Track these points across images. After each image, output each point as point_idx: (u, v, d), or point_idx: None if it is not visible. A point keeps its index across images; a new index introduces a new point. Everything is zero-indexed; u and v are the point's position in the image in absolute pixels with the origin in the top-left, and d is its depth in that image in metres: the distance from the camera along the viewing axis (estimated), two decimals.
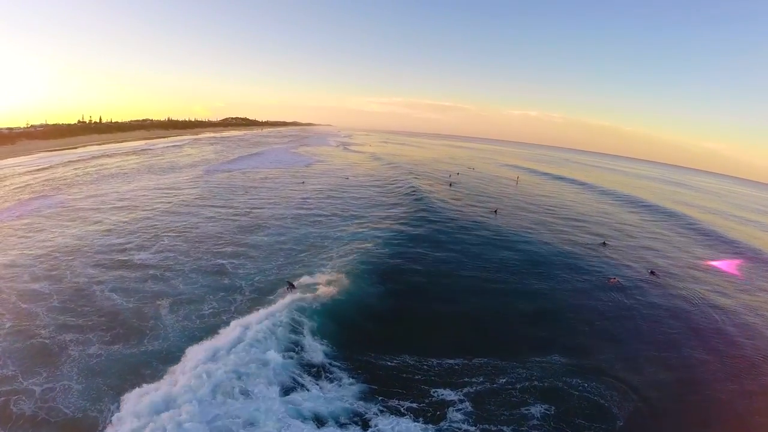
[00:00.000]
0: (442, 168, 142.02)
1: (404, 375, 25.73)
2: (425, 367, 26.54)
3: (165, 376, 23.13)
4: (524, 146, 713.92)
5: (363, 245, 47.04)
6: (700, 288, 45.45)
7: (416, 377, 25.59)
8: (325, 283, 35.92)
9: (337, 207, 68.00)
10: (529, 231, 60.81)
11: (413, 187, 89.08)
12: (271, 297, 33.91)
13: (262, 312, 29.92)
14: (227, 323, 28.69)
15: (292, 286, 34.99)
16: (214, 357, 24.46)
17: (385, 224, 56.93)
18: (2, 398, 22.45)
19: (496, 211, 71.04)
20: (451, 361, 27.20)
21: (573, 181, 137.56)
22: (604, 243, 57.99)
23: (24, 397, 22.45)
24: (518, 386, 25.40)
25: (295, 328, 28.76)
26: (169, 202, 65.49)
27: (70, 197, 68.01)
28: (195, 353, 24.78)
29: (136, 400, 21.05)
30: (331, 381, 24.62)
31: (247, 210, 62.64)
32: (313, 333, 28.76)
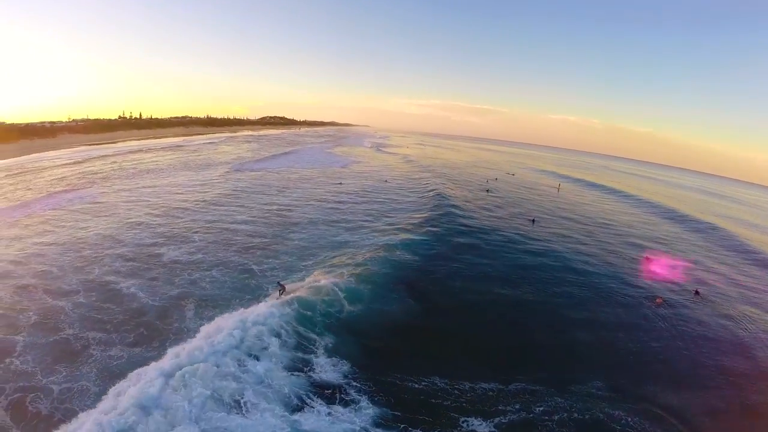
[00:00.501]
0: (480, 173, 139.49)
1: (432, 400, 23.76)
2: (456, 391, 24.53)
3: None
4: (562, 151, 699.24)
5: (392, 252, 45.42)
6: (749, 310, 42.27)
7: (446, 403, 23.64)
8: (346, 290, 34.31)
9: (371, 211, 66.83)
10: (569, 242, 58.40)
11: (449, 192, 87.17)
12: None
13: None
14: None
15: (282, 288, 33.52)
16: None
17: (417, 231, 55.15)
18: (19, 395, 22.30)
19: (534, 221, 68.68)
20: (486, 386, 25.15)
21: (613, 191, 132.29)
22: (646, 257, 55.43)
23: (42, 396, 22.24)
24: (555, 417, 23.32)
25: (304, 344, 27.35)
26: (202, 200, 65.94)
27: (103, 191, 69.43)
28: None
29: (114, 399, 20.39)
30: (346, 404, 22.69)
31: (280, 210, 62.43)
32: (327, 349, 27.17)
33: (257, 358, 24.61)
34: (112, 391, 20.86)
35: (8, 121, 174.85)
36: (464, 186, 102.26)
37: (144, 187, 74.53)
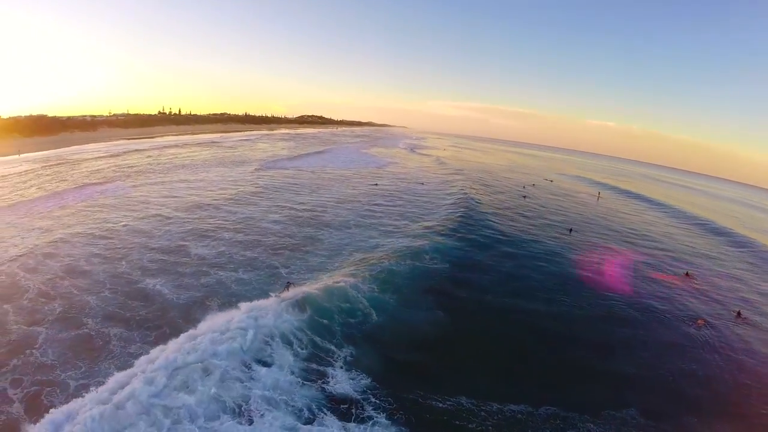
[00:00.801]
0: (516, 178, 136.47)
1: (457, 421, 22.30)
2: (483, 413, 22.94)
3: None
4: (601, 158, 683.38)
5: (422, 258, 44.01)
6: None
7: (471, 425, 22.11)
8: (370, 298, 33.30)
9: (404, 213, 65.49)
10: (608, 256, 56.10)
11: (485, 197, 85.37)
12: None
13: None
14: None
15: (289, 285, 33.41)
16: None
17: (449, 236, 53.54)
18: (36, 388, 22.14)
19: (571, 230, 66.28)
20: (515, 408, 23.50)
21: (652, 201, 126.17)
22: (686, 273, 52.84)
23: (58, 390, 21.99)
24: None
25: (320, 354, 26.36)
26: (234, 197, 66.22)
27: (137, 184, 70.86)
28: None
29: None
30: (362, 420, 21.44)
31: (311, 209, 61.95)
32: (346, 360, 26.06)
33: (266, 364, 23.96)
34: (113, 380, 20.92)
35: (50, 114, 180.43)
36: (500, 191, 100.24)
37: (177, 181, 75.64)
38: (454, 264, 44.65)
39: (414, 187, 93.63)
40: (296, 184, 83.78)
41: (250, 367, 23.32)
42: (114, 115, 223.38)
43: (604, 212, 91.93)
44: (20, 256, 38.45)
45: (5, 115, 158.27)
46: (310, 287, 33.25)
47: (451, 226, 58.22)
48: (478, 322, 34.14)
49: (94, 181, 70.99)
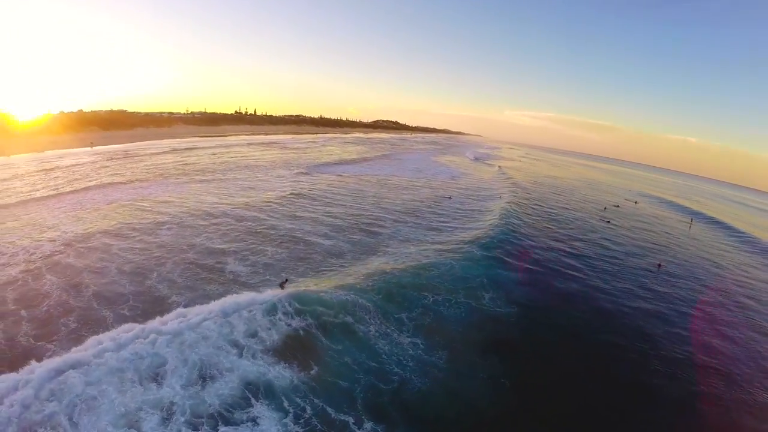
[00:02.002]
0: (596, 197, 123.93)
1: None
2: None
3: None
4: (682, 176, 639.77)
5: (479, 298, 36.55)
6: None
7: None
8: (415, 359, 26.52)
9: (467, 240, 54.17)
10: (703, 300, 46.39)
11: (563, 221, 76.50)
12: None
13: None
14: None
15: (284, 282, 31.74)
16: None
17: (518, 271, 45.31)
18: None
19: (660, 265, 57.05)
20: None
21: (751, 239, 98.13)
22: None
23: None
24: None
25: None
26: (287, 203, 62.07)
27: (194, 184, 69.13)
28: None
29: None
30: None
31: (368, 223, 56.15)
32: None
33: None
34: None
35: (132, 109, 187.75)
36: (580, 213, 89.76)
37: (234, 184, 72.96)
38: (522, 306, 36.66)
39: (484, 204, 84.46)
40: (359, 191, 79.02)
41: None
42: (191, 113, 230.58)
43: (696, 245, 78.63)
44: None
45: (88, 109, 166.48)
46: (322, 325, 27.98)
47: (520, 258, 49.87)
48: (550, 393, 26.11)
49: (149, 178, 70.80)
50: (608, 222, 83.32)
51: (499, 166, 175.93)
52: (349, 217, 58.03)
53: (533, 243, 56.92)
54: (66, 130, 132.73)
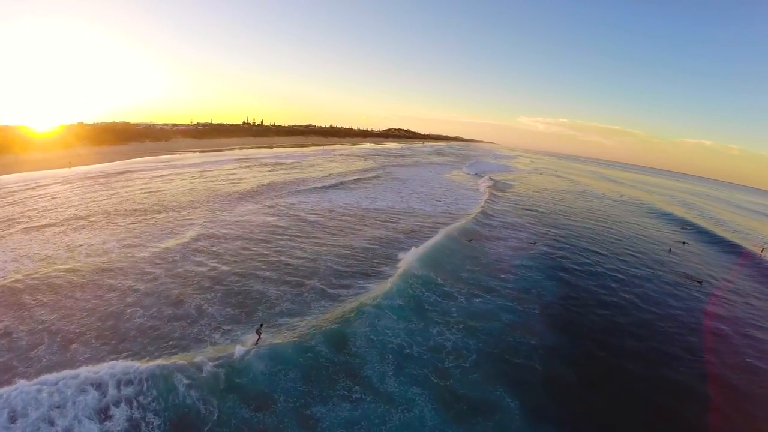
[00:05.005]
0: (645, 227, 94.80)
1: None
2: None
3: None
4: (702, 181, 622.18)
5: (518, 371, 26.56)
6: None
7: None
8: None
9: (493, 288, 42.22)
10: None
11: (621, 257, 61.73)
12: None
13: None
14: None
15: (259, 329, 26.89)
16: None
17: (560, 332, 34.23)
18: None
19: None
20: None
21: None
22: None
23: None
24: None
25: None
26: (268, 239, 48.77)
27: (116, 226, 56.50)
28: None
29: None
30: None
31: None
32: None
33: None
34: None
35: (132, 121, 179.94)
36: (638, 248, 70.53)
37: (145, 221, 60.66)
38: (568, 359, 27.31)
39: (524, 245, 65.93)
40: (350, 225, 63.45)
41: None
42: (196, 124, 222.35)
43: None
44: None
45: (89, 121, 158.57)
46: None
47: (562, 316, 36.91)
48: None
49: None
50: (700, 283, 55.19)
51: (528, 181, 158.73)
52: None
53: (584, 303, 41.82)
54: (39, 147, 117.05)
